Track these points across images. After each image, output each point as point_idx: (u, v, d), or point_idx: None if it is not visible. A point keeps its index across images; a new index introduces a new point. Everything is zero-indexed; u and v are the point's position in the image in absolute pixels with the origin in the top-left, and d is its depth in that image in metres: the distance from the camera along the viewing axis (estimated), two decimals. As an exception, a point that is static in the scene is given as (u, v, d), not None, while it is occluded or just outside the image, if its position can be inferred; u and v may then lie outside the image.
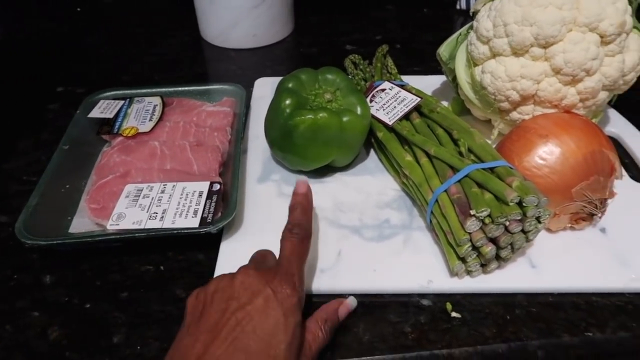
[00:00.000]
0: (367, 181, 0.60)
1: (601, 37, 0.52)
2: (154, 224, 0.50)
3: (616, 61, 0.53)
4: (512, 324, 0.46)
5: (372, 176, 0.61)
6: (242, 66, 0.86)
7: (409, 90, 0.62)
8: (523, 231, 0.46)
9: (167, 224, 0.51)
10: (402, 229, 0.54)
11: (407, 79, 0.73)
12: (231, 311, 0.37)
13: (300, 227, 0.45)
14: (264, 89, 0.76)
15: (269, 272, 0.40)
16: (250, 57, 0.89)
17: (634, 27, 0.55)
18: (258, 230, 0.54)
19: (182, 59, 0.88)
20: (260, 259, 0.45)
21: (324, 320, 0.42)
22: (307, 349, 0.39)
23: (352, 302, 0.46)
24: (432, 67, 0.71)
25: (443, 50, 0.64)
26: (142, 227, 0.50)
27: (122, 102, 0.67)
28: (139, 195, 0.54)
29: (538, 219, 0.46)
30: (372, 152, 0.65)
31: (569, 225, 0.52)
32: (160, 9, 1.05)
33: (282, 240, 0.44)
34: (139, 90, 0.70)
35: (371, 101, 0.61)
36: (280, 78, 0.60)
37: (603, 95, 0.55)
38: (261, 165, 0.63)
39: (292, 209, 0.48)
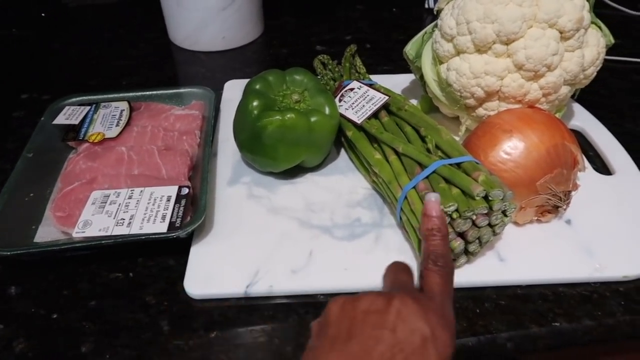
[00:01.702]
0: (337, 180, 0.61)
1: (561, 32, 0.53)
2: (121, 230, 0.50)
3: (576, 56, 0.54)
4: (481, 318, 0.47)
5: (343, 175, 0.61)
6: (212, 69, 0.86)
7: (377, 89, 0.62)
8: (490, 225, 0.47)
9: (135, 229, 0.50)
10: (373, 227, 0.54)
11: (377, 78, 0.73)
12: (386, 345, 0.32)
13: (445, 258, 0.39)
14: (234, 91, 0.76)
15: (428, 307, 0.35)
16: (220, 59, 0.88)
17: (592, 22, 0.56)
18: (228, 233, 0.54)
19: (151, 62, 0.87)
20: (402, 279, 0.39)
21: None
22: None
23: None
24: (401, 65, 0.71)
25: (409, 49, 0.65)
26: (108, 233, 0.49)
27: (88, 107, 0.66)
28: (106, 202, 0.53)
29: (504, 213, 0.47)
30: (342, 151, 0.65)
31: (535, 218, 0.53)
32: (128, 12, 1.04)
33: (428, 272, 0.38)
34: (105, 96, 0.69)
35: (340, 101, 0.62)
36: (250, 80, 0.60)
37: (565, 90, 0.57)
38: (231, 167, 0.63)
39: (429, 236, 0.41)
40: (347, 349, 0.32)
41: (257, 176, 0.61)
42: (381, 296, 0.35)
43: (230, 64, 0.87)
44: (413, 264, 0.50)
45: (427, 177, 0.48)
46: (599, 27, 0.58)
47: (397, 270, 0.40)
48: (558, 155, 0.50)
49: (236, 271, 0.50)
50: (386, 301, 0.34)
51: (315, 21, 1.01)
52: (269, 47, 0.92)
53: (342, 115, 0.59)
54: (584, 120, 0.69)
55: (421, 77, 0.65)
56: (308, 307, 0.48)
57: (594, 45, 0.56)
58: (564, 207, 0.52)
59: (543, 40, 0.52)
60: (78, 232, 0.50)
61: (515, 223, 0.54)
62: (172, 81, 0.83)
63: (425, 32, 0.64)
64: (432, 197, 0.43)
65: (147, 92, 0.71)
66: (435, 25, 0.61)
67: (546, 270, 0.50)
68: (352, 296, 0.36)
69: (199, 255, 0.52)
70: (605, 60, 0.59)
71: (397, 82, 0.77)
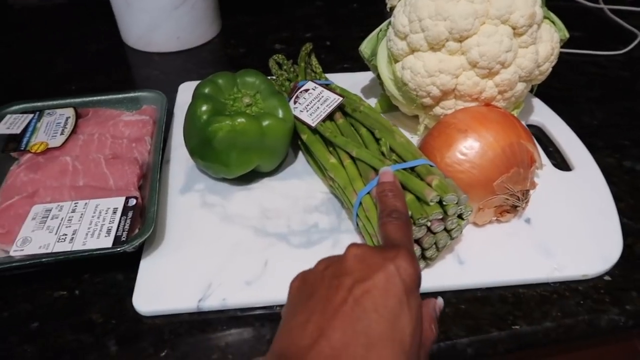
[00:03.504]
0: (294, 185, 0.59)
1: (513, 29, 0.52)
2: (63, 247, 0.47)
3: (530, 52, 0.54)
4: (441, 323, 0.46)
5: (300, 180, 0.60)
6: (166, 70, 0.83)
7: (333, 89, 0.61)
8: (446, 229, 0.45)
9: (78, 245, 0.47)
10: (331, 233, 0.53)
11: (336, 76, 0.72)
12: (346, 288, 0.31)
13: (399, 212, 0.39)
14: (189, 94, 0.71)
15: (385, 249, 0.34)
16: (175, 60, 0.85)
17: (546, 17, 0.56)
18: (180, 244, 0.52)
19: (101, 65, 0.84)
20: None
21: (432, 318, 0.36)
22: (423, 344, 0.34)
23: (441, 301, 0.39)
24: (361, 63, 0.70)
25: (365, 47, 0.63)
26: (49, 251, 0.47)
27: (31, 115, 0.63)
28: (47, 217, 0.50)
29: (460, 216, 0.46)
30: (300, 154, 0.63)
31: (495, 218, 0.53)
32: (77, 13, 1.00)
33: (384, 226, 0.39)
34: (49, 102, 0.66)
35: (295, 102, 0.60)
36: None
37: (521, 87, 0.56)
38: (184, 175, 0.60)
39: (381, 196, 0.42)
40: (307, 308, 0.31)
41: (211, 183, 0.59)
42: (336, 256, 0.35)
43: (185, 65, 0.84)
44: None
45: (381, 182, 0.47)
46: (553, 22, 0.58)
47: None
48: (514, 154, 0.49)
49: (188, 285, 0.48)
50: (340, 255, 0.34)
51: (273, 19, 0.99)
52: (226, 47, 0.90)
53: (296, 118, 0.58)
54: (543, 115, 0.69)
55: (378, 76, 0.63)
56: (264, 319, 0.47)
57: (548, 40, 0.55)
58: (523, 206, 0.51)
59: (496, 37, 0.51)
60: (16, 250, 0.47)
61: (475, 224, 0.53)
62: (125, 85, 0.80)
63: (380, 30, 0.63)
64: (386, 169, 0.45)
65: (95, 98, 0.68)
66: (390, 23, 0.60)
67: (506, 272, 0.49)
68: (310, 268, 0.35)
69: (148, 270, 0.49)
70: (561, 53, 0.59)
71: (357, 81, 0.75)
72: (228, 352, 0.44)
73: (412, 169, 0.47)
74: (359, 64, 0.80)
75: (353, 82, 0.73)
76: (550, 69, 0.58)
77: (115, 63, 0.85)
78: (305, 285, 0.34)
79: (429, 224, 0.44)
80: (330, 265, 0.34)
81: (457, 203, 0.44)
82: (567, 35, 0.59)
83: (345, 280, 0.32)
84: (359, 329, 0.29)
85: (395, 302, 0.31)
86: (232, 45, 0.90)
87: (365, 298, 0.30)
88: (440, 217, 0.44)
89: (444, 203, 0.43)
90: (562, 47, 0.59)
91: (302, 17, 1.00)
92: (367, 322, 0.29)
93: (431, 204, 0.43)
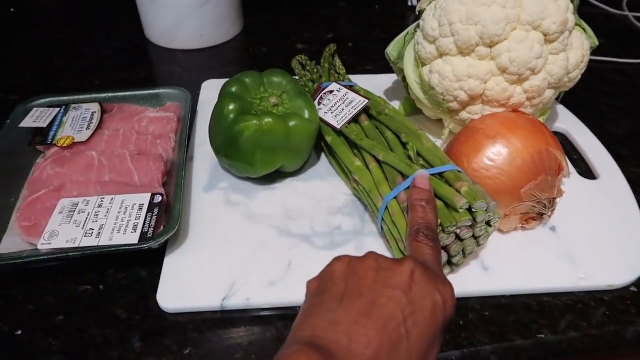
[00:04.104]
0: (318, 186, 0.59)
1: (545, 35, 0.52)
2: (90, 242, 0.47)
3: (560, 59, 0.53)
4: (465, 330, 0.46)
5: (323, 181, 0.59)
6: (189, 68, 0.83)
7: (357, 91, 0.60)
8: (474, 236, 0.45)
9: (104, 241, 0.48)
10: (354, 236, 0.53)
11: (358, 78, 0.71)
12: (398, 304, 0.31)
13: (432, 230, 0.39)
14: (212, 91, 0.73)
15: (435, 273, 0.34)
16: (198, 58, 0.86)
17: (577, 24, 0.55)
18: (204, 242, 0.52)
19: (125, 61, 0.84)
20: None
21: None
22: None
23: None
24: (384, 65, 0.69)
25: (391, 50, 0.63)
26: (76, 245, 0.47)
27: (57, 109, 0.63)
28: (74, 211, 0.50)
29: (488, 223, 0.45)
30: (323, 155, 0.63)
31: (520, 225, 0.52)
32: (102, 9, 1.00)
33: (420, 245, 0.38)
34: (76, 97, 0.66)
35: (319, 104, 0.60)
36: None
37: (549, 94, 0.55)
38: (208, 173, 0.60)
39: (418, 206, 0.41)
40: (356, 305, 0.31)
41: (234, 182, 0.59)
42: (388, 258, 0.34)
43: (208, 63, 0.85)
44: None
45: (408, 188, 0.47)
46: (584, 30, 0.57)
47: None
48: (542, 162, 0.49)
49: (212, 283, 0.48)
50: (396, 263, 0.34)
51: (295, 19, 0.99)
52: (248, 46, 0.90)
53: (321, 120, 0.58)
54: (567, 122, 0.68)
55: (403, 79, 0.63)
56: (287, 320, 0.47)
57: (579, 48, 0.55)
58: (549, 214, 0.51)
59: (527, 43, 0.51)
60: (44, 244, 0.47)
61: (500, 230, 0.52)
62: (148, 81, 0.80)
63: (408, 33, 0.62)
64: (423, 172, 0.45)
65: (120, 93, 0.68)
66: (418, 26, 0.60)
67: (530, 280, 0.49)
68: (357, 256, 0.35)
69: (172, 267, 0.49)
70: (587, 60, 0.58)
71: (380, 84, 0.75)
72: (251, 352, 0.44)
73: (440, 174, 0.47)
74: (380, 66, 0.80)
75: (376, 84, 0.73)
76: (580, 77, 0.57)
77: (138, 59, 0.85)
78: (353, 275, 0.33)
79: (458, 231, 0.43)
80: (382, 269, 0.33)
81: (486, 210, 0.43)
82: (597, 43, 0.59)
83: (398, 295, 0.31)
84: (401, 354, 0.29)
85: (433, 334, 0.31)
86: (254, 44, 0.90)
87: (412, 323, 0.30)
88: (469, 224, 0.43)
89: (473, 210, 0.43)
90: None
91: (324, 17, 1.00)
92: (408, 346, 0.30)
93: (461, 211, 0.43)
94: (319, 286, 0.34)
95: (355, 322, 0.30)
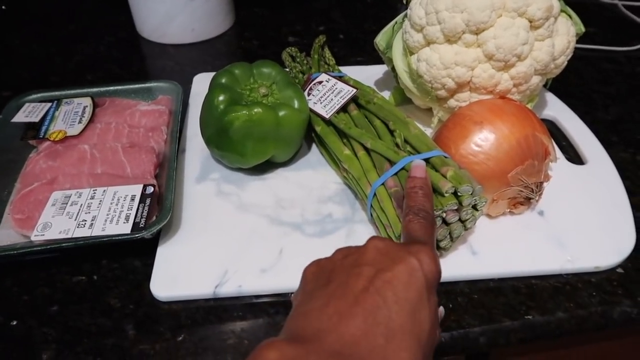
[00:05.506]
0: (308, 176, 0.59)
1: (530, 21, 0.52)
2: (83, 232, 0.48)
3: (546, 45, 0.54)
4: (454, 313, 0.46)
5: (313, 170, 0.60)
6: (181, 62, 0.83)
7: (346, 81, 0.61)
8: (461, 220, 0.46)
9: (97, 231, 0.48)
10: (345, 223, 0.53)
11: (350, 69, 0.72)
12: (368, 277, 0.31)
13: (426, 212, 0.39)
14: (203, 85, 0.72)
15: (409, 244, 0.34)
16: (189, 52, 0.86)
17: (562, 11, 0.56)
18: (196, 232, 0.53)
19: (117, 56, 0.85)
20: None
21: (437, 322, 0.35)
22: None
23: (442, 309, 0.38)
24: (375, 56, 0.70)
25: (380, 40, 0.64)
26: (69, 236, 0.48)
27: (49, 104, 0.64)
28: (67, 203, 0.51)
29: (475, 207, 0.46)
30: (313, 145, 0.64)
31: (508, 210, 0.53)
32: (93, 4, 1.00)
33: (409, 223, 0.38)
34: (67, 92, 0.67)
35: (309, 94, 0.60)
36: (220, 73, 0.58)
37: (536, 80, 0.56)
38: (200, 164, 0.61)
39: (411, 192, 0.42)
40: (326, 292, 0.31)
41: (226, 172, 0.60)
42: (354, 246, 0.35)
43: (199, 56, 0.85)
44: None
45: (396, 174, 0.47)
46: (569, 16, 0.58)
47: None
48: (529, 147, 0.50)
49: (204, 271, 0.49)
50: (361, 246, 0.34)
51: (287, 12, 0.99)
52: (240, 39, 0.90)
53: (310, 110, 0.58)
54: (556, 109, 0.69)
55: (393, 69, 0.64)
56: (278, 306, 0.47)
57: (564, 34, 0.55)
58: (536, 198, 0.51)
59: (512, 30, 0.51)
60: (37, 235, 0.48)
61: (488, 215, 0.53)
62: (139, 75, 0.80)
63: (396, 23, 0.63)
64: (419, 162, 0.45)
65: (112, 87, 0.68)
66: (405, 15, 0.60)
67: (518, 263, 0.49)
68: (327, 256, 0.35)
69: (165, 256, 0.50)
70: (576, 48, 0.59)
71: (371, 74, 0.76)
72: (244, 337, 0.45)
73: (427, 160, 0.47)
74: (372, 57, 0.80)
75: (367, 75, 0.74)
76: (566, 63, 0.58)
77: (130, 54, 0.86)
78: (321, 271, 0.34)
79: (444, 215, 0.44)
80: (349, 255, 0.34)
81: (471, 194, 0.44)
82: (583, 30, 0.59)
83: (366, 270, 0.31)
84: (380, 319, 0.29)
85: (416, 296, 0.31)
86: (246, 37, 0.91)
87: (386, 288, 0.30)
88: (455, 207, 0.44)
89: (459, 194, 0.44)
90: (576, 42, 0.59)
91: (316, 10, 1.00)
92: (387, 312, 0.29)
93: (446, 195, 0.43)
94: (295, 296, 0.35)
95: (326, 305, 0.30)
